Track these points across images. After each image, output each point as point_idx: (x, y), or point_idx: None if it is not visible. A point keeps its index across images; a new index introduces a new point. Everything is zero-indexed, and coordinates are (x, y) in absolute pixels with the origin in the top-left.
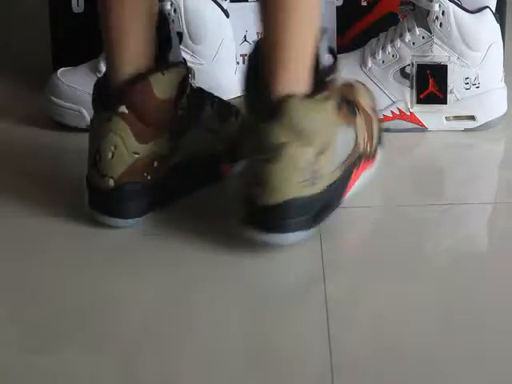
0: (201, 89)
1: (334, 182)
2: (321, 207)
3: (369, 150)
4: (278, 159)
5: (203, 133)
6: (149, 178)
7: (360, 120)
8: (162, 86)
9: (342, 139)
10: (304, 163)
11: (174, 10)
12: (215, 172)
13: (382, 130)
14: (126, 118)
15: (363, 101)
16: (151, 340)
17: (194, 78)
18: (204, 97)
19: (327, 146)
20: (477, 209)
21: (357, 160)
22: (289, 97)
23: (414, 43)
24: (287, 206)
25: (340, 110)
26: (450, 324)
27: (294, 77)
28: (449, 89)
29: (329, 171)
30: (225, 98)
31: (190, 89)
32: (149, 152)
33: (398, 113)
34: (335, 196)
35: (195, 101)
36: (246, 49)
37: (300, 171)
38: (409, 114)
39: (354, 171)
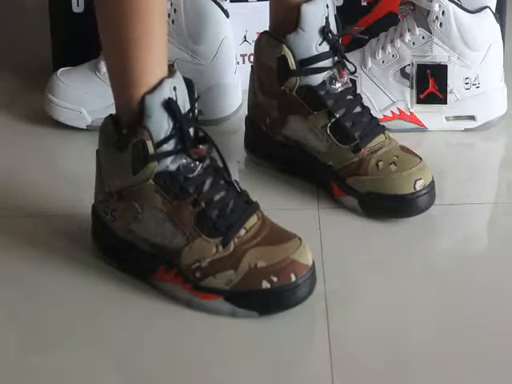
0: None
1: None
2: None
3: (195, 275)
4: None
5: None
6: None
7: (207, 245)
8: None
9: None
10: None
11: (174, 10)
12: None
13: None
14: None
15: (263, 257)
16: (151, 339)
17: None
18: None
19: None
20: (477, 209)
21: (163, 259)
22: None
23: (414, 43)
24: None
25: (167, 194)
26: (449, 324)
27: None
28: (449, 89)
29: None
30: (224, 97)
31: None
32: None
33: (397, 113)
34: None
35: None
36: (246, 49)
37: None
38: (409, 114)
39: (157, 270)
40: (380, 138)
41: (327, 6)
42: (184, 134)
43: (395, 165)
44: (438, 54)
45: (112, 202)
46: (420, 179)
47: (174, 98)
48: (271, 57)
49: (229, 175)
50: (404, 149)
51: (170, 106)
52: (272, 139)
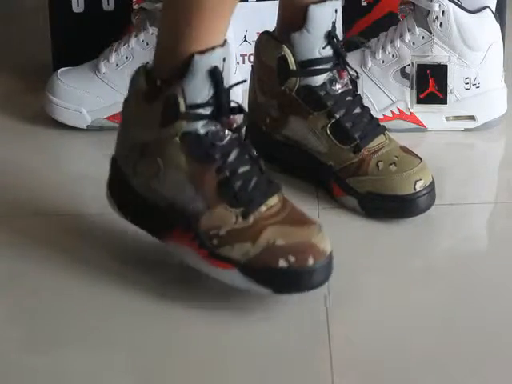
0: None
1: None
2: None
3: (212, 242)
4: None
5: None
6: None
7: (228, 214)
8: None
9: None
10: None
11: None
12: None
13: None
14: None
15: (284, 236)
16: (153, 339)
17: None
18: None
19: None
20: (477, 209)
21: (181, 220)
22: None
23: (414, 43)
24: None
25: (191, 156)
26: (450, 324)
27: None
28: (449, 89)
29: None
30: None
31: None
32: None
33: (398, 113)
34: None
35: None
36: (246, 49)
37: None
38: (409, 114)
39: (174, 230)
40: (380, 139)
41: (336, 11)
42: (221, 105)
43: (395, 165)
44: (438, 53)
45: (134, 155)
46: (420, 180)
47: (221, 69)
48: (271, 57)
49: (253, 152)
50: (404, 149)
51: (214, 74)
52: (272, 139)
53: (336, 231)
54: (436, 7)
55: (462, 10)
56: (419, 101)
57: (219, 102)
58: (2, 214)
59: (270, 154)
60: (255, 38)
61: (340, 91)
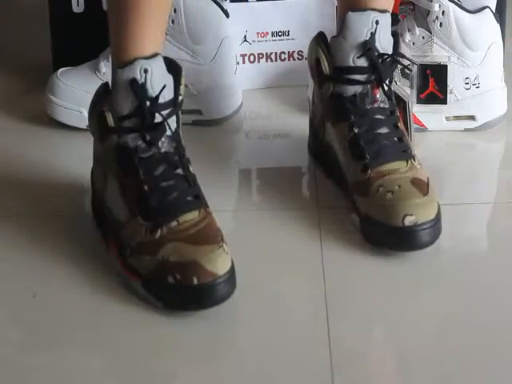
0: None
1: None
2: None
3: (126, 252)
4: None
5: None
6: None
7: (139, 227)
8: None
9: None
10: None
11: (174, 10)
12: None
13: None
14: None
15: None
16: (151, 340)
17: None
18: None
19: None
20: (477, 209)
21: (113, 229)
22: None
23: (414, 43)
24: None
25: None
26: (450, 324)
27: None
28: (449, 89)
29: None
30: (224, 98)
31: None
32: None
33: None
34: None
35: None
36: (246, 49)
37: None
38: None
39: (109, 239)
40: (396, 165)
41: (377, 23)
42: (144, 116)
43: (392, 194)
44: (438, 53)
45: (95, 166)
46: (411, 215)
47: (142, 80)
48: (312, 58)
49: (187, 167)
50: (415, 182)
51: (134, 86)
52: (321, 139)
53: (336, 231)
54: (436, 7)
55: (462, 10)
56: (419, 101)
57: (142, 113)
58: (1, 214)
59: (319, 155)
60: (255, 38)
61: (368, 107)
